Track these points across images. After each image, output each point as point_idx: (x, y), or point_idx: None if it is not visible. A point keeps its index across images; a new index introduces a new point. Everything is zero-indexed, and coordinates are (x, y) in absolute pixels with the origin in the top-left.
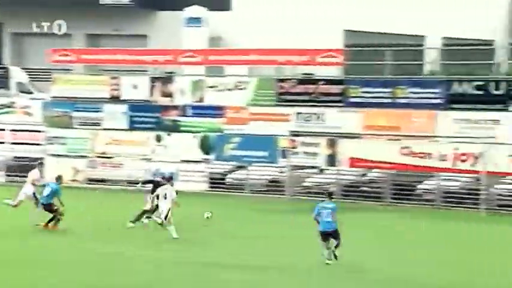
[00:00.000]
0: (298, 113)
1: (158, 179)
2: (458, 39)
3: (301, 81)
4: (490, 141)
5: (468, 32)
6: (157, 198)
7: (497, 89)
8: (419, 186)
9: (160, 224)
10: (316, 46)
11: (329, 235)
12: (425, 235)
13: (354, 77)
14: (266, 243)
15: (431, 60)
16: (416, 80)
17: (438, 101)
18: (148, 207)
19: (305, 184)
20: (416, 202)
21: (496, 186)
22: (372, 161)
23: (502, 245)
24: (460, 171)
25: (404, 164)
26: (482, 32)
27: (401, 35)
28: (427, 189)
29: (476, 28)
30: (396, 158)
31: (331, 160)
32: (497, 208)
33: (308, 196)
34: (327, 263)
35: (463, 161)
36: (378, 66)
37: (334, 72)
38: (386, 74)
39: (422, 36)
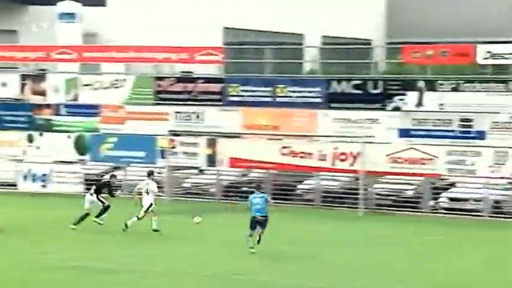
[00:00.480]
0: (177, 112)
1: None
2: (337, 37)
3: (180, 80)
4: (369, 141)
5: (347, 31)
6: (140, 193)
7: (375, 88)
8: (299, 186)
9: (139, 218)
10: (195, 44)
11: (259, 222)
12: (303, 234)
13: (234, 75)
14: (149, 245)
15: (311, 59)
16: (296, 79)
17: (318, 100)
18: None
19: (185, 185)
20: (296, 202)
21: (374, 185)
22: (252, 161)
23: (378, 244)
24: (340, 170)
25: (285, 164)
26: (361, 32)
27: (281, 33)
28: (307, 189)
29: (355, 27)
30: (277, 157)
31: (211, 160)
32: (375, 207)
33: (187, 197)
34: (252, 252)
35: (343, 160)
36: (258, 65)
37: (214, 70)
38: (267, 72)
39: (302, 34)
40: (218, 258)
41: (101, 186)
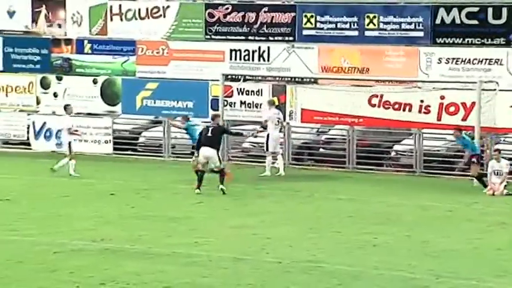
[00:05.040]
0: (234, 50)
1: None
2: None
3: (238, 8)
4: (487, 88)
5: None
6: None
7: (497, 17)
8: (394, 147)
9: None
10: None
11: None
12: (397, 210)
13: (309, 2)
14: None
15: None
16: (391, 6)
17: (420, 33)
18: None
19: (244, 145)
20: (390, 168)
21: (495, 146)
22: (332, 114)
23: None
24: (448, 127)
25: (375, 118)
26: None
27: None
28: (405, 151)
29: None
30: (364, 109)
31: None
32: None
33: (246, 160)
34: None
35: (452, 113)
36: None
37: None
38: None
39: None
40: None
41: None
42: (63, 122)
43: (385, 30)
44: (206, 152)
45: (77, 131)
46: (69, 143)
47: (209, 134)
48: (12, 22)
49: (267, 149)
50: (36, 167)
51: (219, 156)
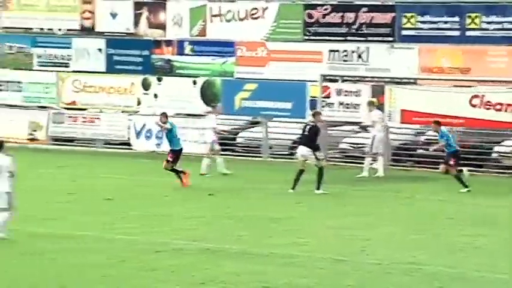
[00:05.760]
0: (333, 51)
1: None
2: None
3: (337, 8)
4: None
5: None
6: None
7: None
8: (496, 149)
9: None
10: None
11: None
12: (501, 214)
13: (409, 2)
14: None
15: None
16: (494, 5)
17: None
18: None
19: (341, 146)
20: (491, 170)
21: None
22: (431, 115)
23: None
24: None
25: (477, 119)
26: None
27: None
28: (507, 153)
29: None
30: (465, 110)
31: None
32: None
33: (342, 161)
34: None
35: None
36: None
37: None
38: None
39: None
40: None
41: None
42: (209, 122)
43: (487, 29)
44: (302, 150)
45: (217, 132)
46: (212, 142)
47: (306, 133)
48: (114, 24)
49: (371, 150)
50: (136, 167)
51: (315, 155)
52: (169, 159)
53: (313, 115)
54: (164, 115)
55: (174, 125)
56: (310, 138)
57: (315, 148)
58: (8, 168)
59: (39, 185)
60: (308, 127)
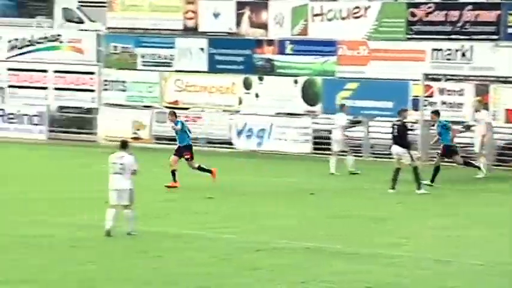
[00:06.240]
0: (436, 50)
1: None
2: None
3: (441, 6)
4: None
5: None
6: None
7: None
8: None
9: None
10: None
11: None
12: None
13: None
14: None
15: None
16: None
17: None
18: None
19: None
20: None
21: None
22: None
23: None
24: None
25: None
26: None
27: None
28: None
29: None
30: None
31: None
32: None
33: (444, 161)
34: None
35: None
36: None
37: None
38: None
39: None
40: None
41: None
42: (339, 120)
43: None
44: (395, 149)
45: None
46: (341, 141)
47: (395, 133)
48: (217, 24)
49: (481, 150)
50: (237, 166)
51: (410, 154)
52: (187, 156)
53: (399, 113)
54: (172, 114)
55: (183, 123)
56: (400, 137)
57: (407, 146)
58: (132, 167)
59: (142, 184)
60: (395, 127)
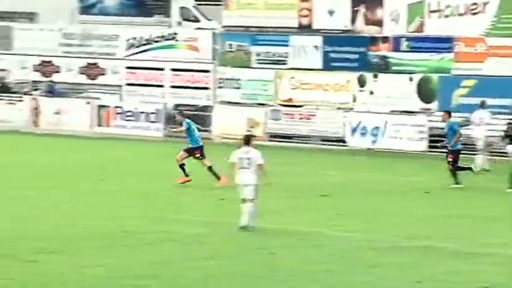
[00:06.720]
0: None
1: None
2: None
3: None
4: None
5: None
6: None
7: None
8: None
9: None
10: None
11: None
12: None
13: None
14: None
15: None
16: None
17: None
18: None
19: None
20: None
21: None
22: None
23: None
24: None
25: None
26: None
27: None
28: None
29: None
30: None
31: None
32: None
33: None
34: None
35: None
36: None
37: None
38: None
39: None
40: None
41: None
42: (484, 118)
43: None
44: (510, 149)
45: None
46: (485, 138)
47: (510, 132)
48: (331, 21)
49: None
50: (352, 163)
51: None
52: (198, 155)
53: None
54: (180, 113)
55: (190, 124)
56: None
57: None
58: (257, 162)
59: None
60: (510, 126)
